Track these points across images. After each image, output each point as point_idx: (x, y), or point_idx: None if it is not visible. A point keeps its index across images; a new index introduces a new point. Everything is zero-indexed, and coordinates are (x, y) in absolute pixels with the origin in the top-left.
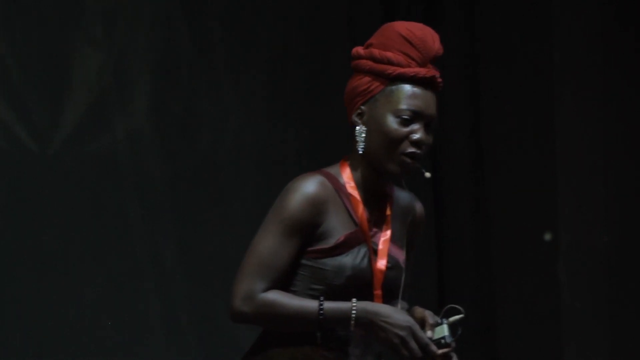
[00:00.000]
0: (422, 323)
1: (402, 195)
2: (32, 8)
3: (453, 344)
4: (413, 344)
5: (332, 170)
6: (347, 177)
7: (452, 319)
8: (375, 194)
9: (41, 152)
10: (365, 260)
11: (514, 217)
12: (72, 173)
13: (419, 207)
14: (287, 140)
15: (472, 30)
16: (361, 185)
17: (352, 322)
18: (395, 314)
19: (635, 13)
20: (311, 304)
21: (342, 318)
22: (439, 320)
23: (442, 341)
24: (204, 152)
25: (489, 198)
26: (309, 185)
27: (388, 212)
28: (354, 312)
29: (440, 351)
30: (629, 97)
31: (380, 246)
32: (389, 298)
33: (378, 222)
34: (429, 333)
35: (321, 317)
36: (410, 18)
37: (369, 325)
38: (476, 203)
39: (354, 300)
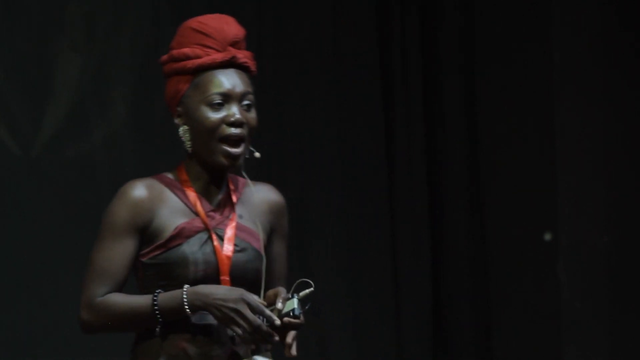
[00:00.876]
0: (275, 298)
1: (257, 188)
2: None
3: (301, 317)
4: (248, 313)
5: (167, 173)
6: (182, 176)
7: (302, 293)
8: (216, 187)
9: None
10: (208, 247)
11: (514, 217)
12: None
13: (276, 196)
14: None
15: (472, 30)
16: (198, 181)
17: (186, 307)
18: (227, 291)
19: (635, 13)
20: (146, 299)
21: (176, 306)
22: (290, 295)
23: (291, 314)
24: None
25: (489, 198)
26: (131, 189)
27: (234, 200)
28: (185, 297)
29: (285, 319)
30: (629, 97)
31: (227, 233)
32: (243, 283)
33: (223, 211)
34: (279, 305)
35: (156, 309)
36: (408, 18)
37: (204, 307)
38: (476, 203)
39: (185, 286)
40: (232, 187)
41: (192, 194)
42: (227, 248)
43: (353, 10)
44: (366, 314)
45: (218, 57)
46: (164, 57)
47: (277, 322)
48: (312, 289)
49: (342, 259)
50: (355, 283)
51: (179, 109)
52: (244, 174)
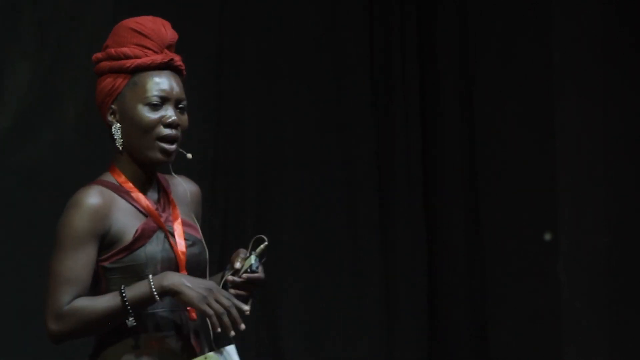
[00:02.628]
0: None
1: (177, 180)
2: None
3: (258, 271)
4: (220, 294)
5: (105, 177)
6: (120, 178)
7: (258, 249)
8: (152, 184)
9: None
10: (167, 244)
11: (514, 217)
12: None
13: (194, 186)
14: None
15: (471, 30)
16: (136, 180)
17: (154, 290)
18: (190, 277)
19: (635, 13)
20: (114, 297)
21: (145, 293)
22: (248, 254)
23: (248, 270)
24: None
25: (489, 198)
26: (86, 197)
27: (171, 196)
28: (151, 282)
29: (244, 275)
30: (629, 97)
31: (176, 229)
32: (197, 275)
33: (165, 208)
34: (237, 265)
35: (126, 301)
36: (406, 17)
37: (172, 286)
38: (474, 203)
39: (150, 276)
40: (165, 183)
41: (139, 196)
42: (180, 243)
43: (351, 11)
44: (363, 315)
45: (157, 58)
46: (99, 55)
47: (246, 308)
48: (266, 243)
49: (338, 259)
50: (350, 283)
51: (113, 106)
52: (170, 167)
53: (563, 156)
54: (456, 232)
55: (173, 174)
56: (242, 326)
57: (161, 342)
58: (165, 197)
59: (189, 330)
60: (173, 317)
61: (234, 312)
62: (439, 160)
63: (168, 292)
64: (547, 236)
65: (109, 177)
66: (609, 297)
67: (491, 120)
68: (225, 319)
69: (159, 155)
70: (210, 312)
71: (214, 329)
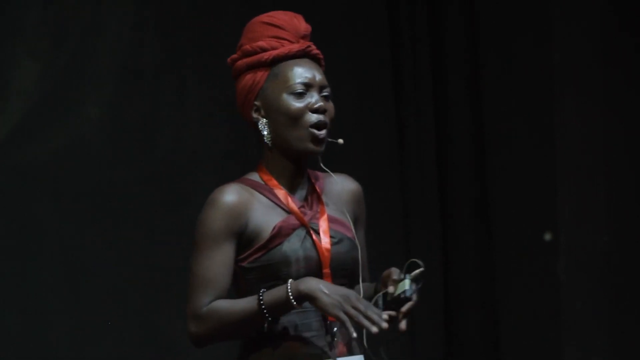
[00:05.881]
0: (387, 279)
1: (334, 179)
2: None
3: (413, 297)
4: (357, 301)
5: (249, 175)
6: (265, 176)
7: (413, 273)
8: (300, 181)
9: None
10: (308, 242)
11: (515, 217)
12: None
13: (355, 185)
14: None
15: (472, 30)
16: (282, 177)
17: (290, 296)
18: (328, 284)
19: (636, 13)
20: (252, 300)
21: (282, 298)
22: (402, 276)
23: (402, 295)
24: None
25: (490, 198)
26: (222, 196)
27: (318, 192)
28: (289, 287)
29: (405, 308)
30: (629, 97)
31: (321, 226)
32: (342, 274)
33: (312, 205)
34: (390, 289)
35: (263, 306)
36: (413, 20)
37: (308, 291)
38: (477, 203)
39: (289, 280)
40: (313, 179)
41: (281, 192)
42: (325, 241)
43: (366, 11)
44: None
45: (294, 47)
46: (234, 56)
47: (385, 325)
48: (422, 269)
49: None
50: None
51: (257, 102)
52: (322, 165)
53: (563, 156)
54: (463, 234)
55: (329, 172)
56: (384, 325)
57: (303, 348)
58: (313, 193)
59: (332, 337)
60: (317, 324)
61: (371, 313)
62: (450, 163)
63: (304, 297)
64: (547, 236)
65: (253, 175)
66: (609, 297)
67: (492, 121)
68: (362, 319)
69: (310, 145)
70: (344, 317)
71: (350, 335)
